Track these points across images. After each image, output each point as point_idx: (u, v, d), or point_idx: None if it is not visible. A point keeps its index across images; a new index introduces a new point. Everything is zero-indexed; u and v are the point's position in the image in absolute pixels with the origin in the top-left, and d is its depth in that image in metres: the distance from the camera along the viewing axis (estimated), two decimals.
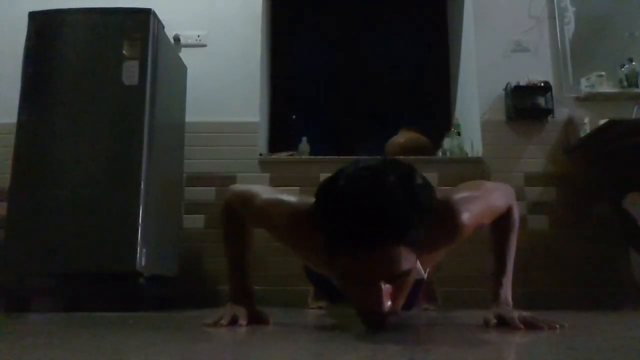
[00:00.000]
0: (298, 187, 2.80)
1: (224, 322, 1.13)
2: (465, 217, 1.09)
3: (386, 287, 0.92)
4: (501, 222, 1.24)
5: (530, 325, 1.06)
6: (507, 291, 1.18)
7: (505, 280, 1.19)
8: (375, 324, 1.00)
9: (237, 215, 1.31)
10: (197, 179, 2.91)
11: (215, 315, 1.18)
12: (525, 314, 1.10)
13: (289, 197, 1.18)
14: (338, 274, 0.99)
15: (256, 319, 1.21)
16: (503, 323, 1.09)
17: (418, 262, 1.11)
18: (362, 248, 0.90)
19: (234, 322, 1.14)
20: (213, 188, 2.90)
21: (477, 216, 1.13)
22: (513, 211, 1.24)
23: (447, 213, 1.08)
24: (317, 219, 0.97)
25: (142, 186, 2.17)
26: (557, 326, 1.06)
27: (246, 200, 1.24)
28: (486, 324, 1.14)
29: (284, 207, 1.14)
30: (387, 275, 0.92)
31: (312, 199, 1.02)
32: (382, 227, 0.89)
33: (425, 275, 1.24)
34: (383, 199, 0.90)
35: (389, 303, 0.93)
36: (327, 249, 0.97)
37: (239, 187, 1.34)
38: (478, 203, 1.14)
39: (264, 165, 2.94)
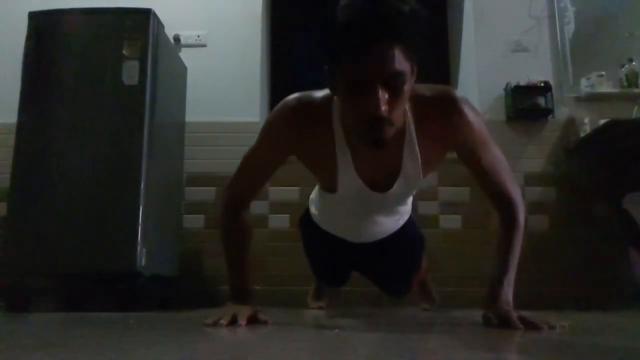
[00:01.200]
0: (298, 187, 2.80)
1: (223, 322, 1.13)
2: (467, 107, 1.14)
3: (383, 94, 0.98)
4: (507, 222, 1.23)
5: (530, 326, 1.06)
6: (508, 292, 1.18)
7: (507, 280, 1.19)
8: (375, 136, 1.03)
9: (236, 215, 1.32)
10: (197, 179, 2.91)
11: (214, 315, 1.17)
12: (525, 314, 1.09)
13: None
14: (340, 92, 1.05)
15: (255, 319, 1.22)
16: (503, 323, 1.09)
17: (418, 162, 1.18)
18: (359, 48, 0.96)
19: (233, 322, 1.14)
20: (213, 188, 2.90)
21: (476, 122, 1.16)
22: (518, 208, 1.24)
23: (448, 98, 1.15)
24: (320, 31, 1.04)
25: (142, 186, 2.17)
26: (557, 326, 1.06)
27: (242, 163, 1.30)
28: (487, 323, 1.14)
29: (278, 108, 1.21)
30: (384, 73, 0.97)
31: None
32: (378, 22, 0.94)
33: (422, 177, 1.26)
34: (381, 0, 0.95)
35: (386, 107, 0.98)
36: (329, 66, 1.04)
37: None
38: (481, 122, 1.18)
39: None
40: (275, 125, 1.22)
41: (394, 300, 2.05)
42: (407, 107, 1.13)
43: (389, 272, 1.77)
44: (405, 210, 1.56)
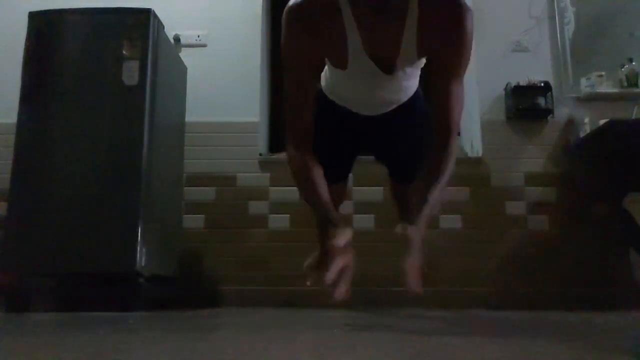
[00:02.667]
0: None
1: (339, 242, 1.11)
2: (470, 23, 1.19)
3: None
4: (439, 150, 1.28)
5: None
6: (424, 218, 1.21)
7: (427, 209, 1.22)
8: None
9: (303, 155, 1.34)
10: (197, 179, 2.91)
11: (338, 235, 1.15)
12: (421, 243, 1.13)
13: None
14: (354, 15, 1.11)
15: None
16: (404, 242, 1.12)
17: (414, 44, 1.23)
18: None
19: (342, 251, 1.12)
20: (213, 188, 2.90)
21: (469, 42, 1.21)
22: (452, 140, 1.29)
23: (457, 2, 1.18)
24: None
25: (142, 186, 2.17)
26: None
27: (287, 100, 1.34)
28: (401, 238, 1.15)
29: (285, 20, 1.23)
30: None
31: None
32: None
33: (419, 61, 1.33)
34: None
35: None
36: None
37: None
38: (470, 50, 1.24)
39: (264, 165, 2.95)
40: (288, 36, 1.25)
41: (401, 184, 2.04)
42: None
43: (396, 147, 1.79)
44: (412, 85, 1.59)
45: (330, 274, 1.06)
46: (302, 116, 1.37)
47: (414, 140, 1.81)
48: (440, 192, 1.26)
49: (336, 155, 1.88)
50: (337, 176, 1.97)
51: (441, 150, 1.29)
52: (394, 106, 1.63)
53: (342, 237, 1.14)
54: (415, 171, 1.90)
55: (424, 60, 1.38)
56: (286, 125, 1.37)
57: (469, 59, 1.27)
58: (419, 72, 1.50)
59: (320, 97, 1.68)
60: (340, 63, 1.34)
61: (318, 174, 1.36)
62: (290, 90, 1.34)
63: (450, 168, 1.28)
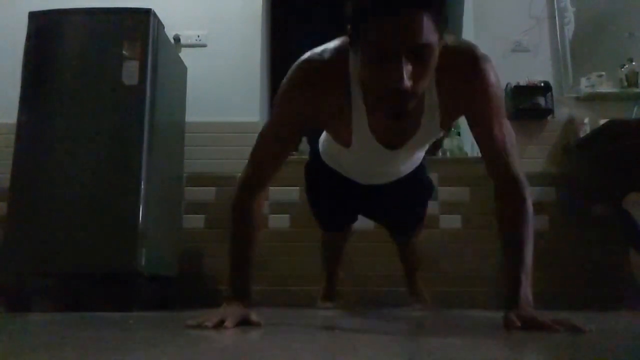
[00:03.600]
0: (298, 187, 2.80)
1: (208, 324, 1.07)
2: (490, 69, 1.10)
3: (407, 66, 0.92)
4: (515, 205, 1.16)
5: (560, 327, 0.98)
6: (527, 289, 1.09)
7: (525, 276, 1.10)
8: (395, 109, 0.99)
9: (250, 199, 1.27)
10: (197, 179, 2.91)
11: (202, 316, 1.12)
12: (550, 316, 1.02)
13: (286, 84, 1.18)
14: (362, 55, 0.98)
15: (247, 321, 1.15)
16: (526, 326, 1.00)
17: (437, 121, 1.15)
18: (386, 14, 0.89)
19: (219, 324, 1.08)
20: (213, 188, 2.90)
21: (492, 75, 1.12)
22: (525, 189, 1.17)
23: (472, 55, 1.10)
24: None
25: (142, 186, 2.17)
26: (586, 329, 0.98)
27: (257, 142, 1.26)
28: (508, 327, 1.02)
29: (291, 74, 1.16)
30: (409, 42, 0.91)
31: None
32: None
33: (440, 133, 1.24)
34: None
35: (410, 82, 0.92)
36: (352, 25, 0.97)
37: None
38: (500, 97, 1.16)
39: None
40: (290, 91, 1.17)
41: (401, 239, 2.04)
42: None
43: (397, 211, 1.78)
44: (419, 157, 1.55)
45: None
46: (271, 163, 1.28)
47: (416, 204, 1.81)
48: (528, 260, 1.12)
49: (335, 215, 1.87)
50: (335, 226, 1.97)
51: (515, 210, 1.15)
52: (399, 177, 1.58)
53: (231, 319, 1.09)
54: (416, 225, 1.91)
55: (443, 132, 1.29)
56: (246, 168, 1.28)
57: (502, 103, 1.18)
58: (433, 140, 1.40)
59: (319, 162, 1.66)
60: (343, 140, 1.26)
61: (255, 231, 1.29)
62: (267, 139, 1.25)
63: (531, 228, 1.14)
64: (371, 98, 1.08)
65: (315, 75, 1.13)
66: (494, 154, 1.18)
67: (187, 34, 3.07)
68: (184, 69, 2.92)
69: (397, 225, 1.90)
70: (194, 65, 2.97)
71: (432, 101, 1.13)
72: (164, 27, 2.47)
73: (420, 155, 1.54)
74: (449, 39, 1.08)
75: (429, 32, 0.92)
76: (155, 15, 2.35)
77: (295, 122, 1.21)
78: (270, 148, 1.26)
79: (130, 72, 2.25)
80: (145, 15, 2.32)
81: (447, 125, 1.21)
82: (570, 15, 3.03)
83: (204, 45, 3.08)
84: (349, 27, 0.99)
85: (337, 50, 1.12)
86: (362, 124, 1.17)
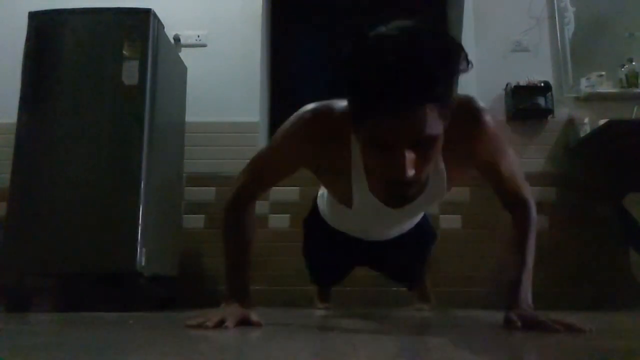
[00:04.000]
0: (298, 187, 2.80)
1: (209, 324, 1.08)
2: (488, 118, 1.08)
3: (410, 155, 0.88)
4: (520, 218, 1.21)
5: (559, 327, 1.00)
6: (528, 291, 1.13)
7: (526, 278, 1.14)
8: (397, 195, 0.98)
9: (242, 209, 1.28)
10: (197, 179, 2.91)
11: (202, 315, 1.13)
12: (550, 316, 1.04)
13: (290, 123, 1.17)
14: (362, 148, 0.96)
15: (247, 321, 1.16)
16: (527, 325, 1.03)
17: (444, 183, 1.13)
18: (388, 106, 0.85)
19: (220, 324, 1.09)
20: (213, 188, 2.90)
21: (496, 131, 1.10)
22: (531, 206, 1.22)
23: (472, 110, 1.07)
24: (342, 84, 0.92)
25: (142, 186, 2.17)
26: (587, 329, 1.00)
27: (252, 163, 1.25)
28: (508, 326, 1.07)
29: (292, 121, 1.15)
30: (412, 137, 0.87)
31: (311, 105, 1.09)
32: (411, 82, 0.83)
33: (446, 194, 1.21)
34: (413, 54, 0.83)
35: (413, 171, 0.89)
36: (353, 118, 0.93)
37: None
38: (502, 136, 1.13)
39: None
40: (290, 137, 1.15)
41: (404, 286, 2.05)
42: None
43: (399, 264, 1.77)
44: (424, 212, 1.54)
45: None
46: (262, 188, 1.31)
47: (418, 253, 1.79)
48: (530, 264, 1.17)
49: (331, 271, 1.86)
50: (328, 283, 1.97)
51: (523, 229, 1.21)
52: (400, 233, 1.56)
53: (231, 319, 1.10)
54: (419, 272, 1.90)
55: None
56: (237, 181, 1.28)
57: (504, 139, 1.15)
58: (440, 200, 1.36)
59: (318, 219, 1.64)
60: (343, 199, 1.23)
61: (250, 238, 1.29)
62: (262, 166, 1.25)
63: (534, 237, 1.20)
64: (375, 181, 1.07)
65: (319, 129, 1.10)
66: (504, 190, 1.22)
67: (187, 34, 3.07)
68: (184, 69, 2.92)
69: (398, 276, 1.89)
70: (194, 65, 2.96)
71: (437, 164, 1.09)
72: (164, 27, 2.47)
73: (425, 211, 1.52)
74: None
75: (434, 124, 0.87)
76: (155, 15, 2.35)
77: (290, 165, 1.22)
78: (261, 176, 1.28)
79: (130, 72, 2.25)
80: (145, 15, 2.32)
81: (452, 184, 1.18)
82: (570, 15, 3.03)
83: (204, 45, 3.08)
84: (349, 107, 0.95)
85: (343, 109, 1.06)
86: (363, 187, 1.15)
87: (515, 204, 1.23)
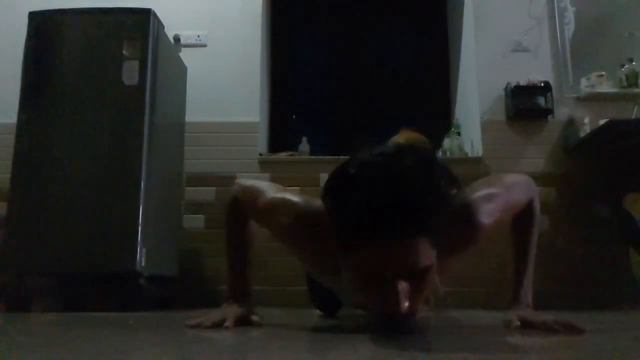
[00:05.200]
0: (298, 187, 2.80)
1: (208, 323, 1.08)
2: (486, 218, 1.03)
3: (403, 286, 0.83)
4: (521, 218, 1.18)
5: (557, 328, 1.00)
6: (528, 292, 1.13)
7: (526, 279, 1.14)
8: (393, 326, 0.96)
9: (242, 213, 1.28)
10: (197, 179, 2.91)
11: (202, 316, 1.13)
12: (550, 316, 1.05)
13: (297, 197, 1.12)
14: (350, 275, 0.90)
15: (247, 321, 1.16)
16: (526, 325, 1.04)
17: (437, 284, 1.05)
18: (377, 241, 0.82)
19: (220, 324, 1.09)
20: (213, 188, 2.90)
21: (497, 215, 1.06)
22: (534, 205, 1.18)
23: (466, 214, 1.02)
24: (327, 213, 0.89)
25: (142, 186, 2.17)
26: (586, 329, 1.00)
27: (252, 196, 1.21)
28: (507, 326, 1.07)
29: (290, 207, 1.09)
30: (404, 271, 0.83)
31: (319, 201, 0.95)
32: (399, 216, 0.80)
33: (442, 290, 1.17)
34: (400, 186, 0.81)
35: (407, 303, 0.84)
36: (340, 246, 0.88)
37: (246, 182, 1.30)
38: (498, 200, 1.07)
39: (264, 165, 2.94)
40: (273, 224, 1.14)
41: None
42: None
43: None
44: None
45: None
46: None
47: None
48: (531, 265, 1.17)
49: (330, 304, 1.81)
50: (331, 312, 1.96)
51: (527, 227, 1.20)
52: None
53: (230, 318, 1.10)
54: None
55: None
56: (241, 193, 1.26)
57: (508, 197, 1.11)
58: None
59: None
60: (336, 290, 1.22)
61: (251, 237, 1.30)
62: (256, 206, 1.19)
63: (535, 238, 1.19)
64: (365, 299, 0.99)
65: (304, 231, 1.06)
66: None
67: (187, 34, 3.07)
68: (184, 69, 2.92)
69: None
70: (194, 65, 2.96)
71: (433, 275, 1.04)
72: (164, 27, 2.47)
73: None
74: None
75: (425, 255, 0.84)
76: (155, 15, 2.35)
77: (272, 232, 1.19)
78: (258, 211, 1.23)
79: (130, 72, 2.25)
80: (145, 15, 2.32)
81: (443, 276, 1.09)
82: (570, 15, 3.03)
83: (204, 45, 3.08)
84: (338, 241, 0.89)
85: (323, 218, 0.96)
86: (354, 296, 1.10)
87: (521, 219, 1.20)
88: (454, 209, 0.94)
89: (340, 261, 0.93)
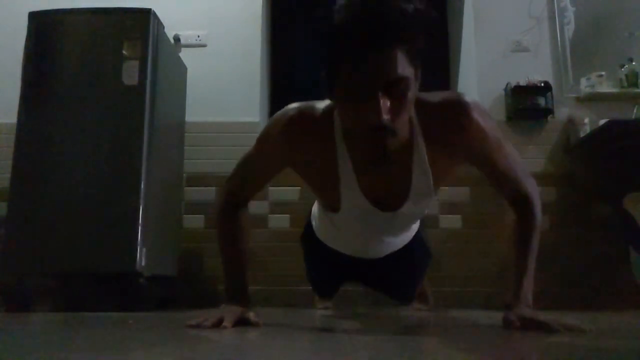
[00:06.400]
0: (298, 187, 2.80)
1: (207, 323, 1.09)
2: (477, 114, 1.07)
3: (384, 100, 0.91)
4: (521, 216, 1.18)
5: (558, 328, 1.00)
6: (528, 292, 1.12)
7: (527, 280, 1.13)
8: (377, 148, 0.98)
9: (234, 212, 1.29)
10: (197, 179, 2.91)
11: (201, 316, 1.14)
12: (550, 316, 1.04)
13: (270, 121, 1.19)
14: (340, 106, 0.99)
15: (246, 321, 1.16)
16: (526, 326, 1.03)
17: (429, 177, 1.12)
18: (358, 52, 0.89)
19: (218, 324, 1.09)
20: (213, 188, 2.90)
21: (489, 128, 1.09)
22: (534, 204, 1.17)
23: (458, 102, 1.07)
24: (314, 38, 0.96)
25: (142, 186, 2.17)
26: (586, 330, 1.01)
27: (237, 169, 1.27)
28: (507, 326, 1.07)
29: (276, 121, 1.16)
30: (383, 79, 0.90)
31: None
32: (379, 25, 0.87)
33: (436, 195, 1.23)
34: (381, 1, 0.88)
35: (388, 116, 0.92)
36: (327, 71, 0.96)
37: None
38: (495, 128, 1.11)
39: None
40: (271, 136, 1.16)
41: (399, 304, 2.05)
42: (413, 116, 1.07)
43: (394, 284, 1.75)
44: (415, 227, 1.52)
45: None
46: (252, 188, 1.31)
47: (412, 277, 1.77)
48: (531, 265, 1.15)
49: (328, 285, 1.86)
50: (328, 294, 1.98)
51: (527, 227, 1.17)
52: (393, 250, 1.53)
53: (229, 318, 1.10)
54: (412, 294, 1.90)
55: (438, 191, 1.25)
56: (229, 180, 1.30)
57: (499, 134, 1.13)
58: (429, 207, 1.33)
59: (313, 237, 1.64)
60: (331, 203, 1.23)
61: (244, 237, 1.29)
62: (249, 166, 1.26)
63: (537, 238, 1.16)
64: (355, 143, 1.08)
65: (300, 126, 1.12)
66: (503, 183, 1.19)
67: (187, 34, 3.07)
68: (184, 69, 2.92)
69: (393, 294, 1.88)
70: (194, 65, 2.97)
71: (421, 159, 1.11)
72: (164, 27, 2.47)
73: (414, 225, 1.50)
74: (431, 96, 1.10)
75: (404, 66, 0.91)
76: (155, 15, 2.35)
77: (274, 163, 1.22)
78: (250, 175, 1.28)
79: (130, 72, 2.25)
80: (145, 15, 2.32)
81: (439, 183, 1.18)
82: (570, 15, 3.03)
83: (204, 45, 3.08)
84: (323, 73, 0.98)
85: (325, 108, 1.11)
86: (351, 184, 1.15)
87: (516, 199, 1.19)
88: (442, 100, 1.07)
89: (337, 138, 1.08)
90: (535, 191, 1.20)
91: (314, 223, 1.64)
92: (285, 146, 1.14)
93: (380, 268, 1.60)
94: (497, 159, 1.14)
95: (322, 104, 1.12)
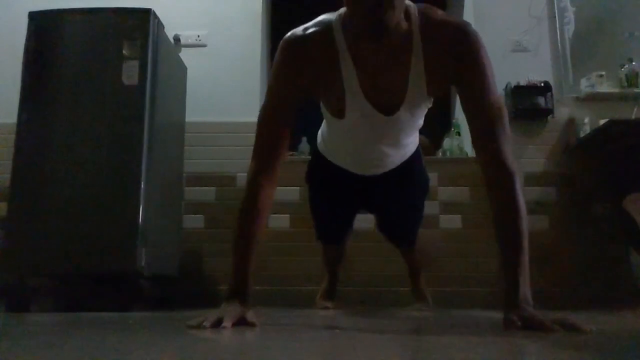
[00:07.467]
0: (298, 187, 2.80)
1: (207, 324, 1.08)
2: (480, 46, 1.13)
3: None
4: (504, 210, 1.11)
5: (561, 327, 0.97)
6: (525, 288, 1.06)
7: (522, 277, 1.07)
8: (375, 19, 1.03)
9: (260, 186, 1.24)
10: (197, 179, 2.91)
11: (201, 316, 1.13)
12: (550, 316, 1.01)
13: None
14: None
15: (244, 321, 1.15)
16: (526, 326, 1.00)
17: (423, 77, 1.17)
18: None
19: (218, 324, 1.09)
20: (213, 188, 2.90)
21: (482, 52, 1.14)
22: (516, 181, 1.10)
23: (462, 27, 1.14)
24: None
25: (142, 186, 2.17)
26: (588, 329, 0.97)
27: (258, 124, 1.27)
28: (508, 327, 1.03)
29: (280, 49, 1.22)
30: None
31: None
32: None
33: (430, 104, 1.31)
34: None
35: None
36: None
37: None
38: (489, 65, 1.15)
39: None
40: (279, 64, 1.22)
41: (401, 247, 2.07)
42: (415, 22, 1.14)
43: (396, 210, 1.81)
44: (412, 142, 1.58)
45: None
46: (276, 143, 1.26)
47: (412, 203, 1.84)
48: (525, 259, 1.09)
49: (332, 217, 1.89)
50: (333, 238, 1.99)
51: (506, 203, 1.10)
52: (393, 166, 1.60)
53: (228, 318, 1.09)
54: (414, 236, 1.94)
55: (431, 100, 1.30)
56: (254, 150, 1.27)
57: (493, 80, 1.15)
58: (422, 118, 1.41)
59: (318, 158, 1.72)
60: (338, 110, 1.29)
61: (261, 222, 1.27)
62: (268, 111, 1.26)
63: (525, 224, 1.09)
64: (354, 24, 1.13)
65: (301, 47, 1.19)
66: (481, 131, 1.15)
67: (187, 34, 3.07)
68: (184, 69, 2.92)
69: (396, 226, 1.90)
70: (194, 65, 2.97)
71: (418, 66, 1.17)
72: (164, 27, 2.47)
73: (411, 145, 1.57)
74: (439, 13, 1.17)
75: None
76: (155, 15, 2.35)
77: (289, 95, 1.25)
78: (271, 125, 1.27)
79: (130, 72, 2.25)
80: (145, 15, 2.32)
81: (433, 92, 1.24)
82: (570, 15, 3.03)
83: (204, 45, 3.08)
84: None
85: (320, 22, 1.20)
86: (353, 85, 1.21)
87: (496, 168, 1.11)
88: (455, 19, 1.17)
89: (341, 49, 1.16)
90: (517, 168, 1.12)
91: (319, 139, 1.72)
92: (294, 68, 1.20)
93: (383, 186, 1.67)
94: (485, 97, 1.14)
95: (314, 21, 1.22)
